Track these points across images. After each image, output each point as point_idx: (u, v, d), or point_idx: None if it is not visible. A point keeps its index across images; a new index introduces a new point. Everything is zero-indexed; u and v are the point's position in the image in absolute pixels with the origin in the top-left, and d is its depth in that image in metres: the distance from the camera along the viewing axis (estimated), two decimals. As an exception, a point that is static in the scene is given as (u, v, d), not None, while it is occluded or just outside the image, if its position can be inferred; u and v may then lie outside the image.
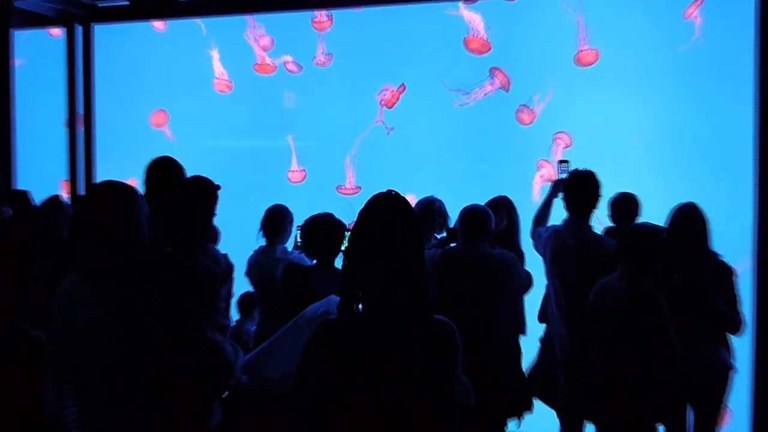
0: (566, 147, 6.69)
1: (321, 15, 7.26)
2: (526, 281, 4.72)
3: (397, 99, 7.09)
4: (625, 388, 3.84)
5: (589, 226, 4.59)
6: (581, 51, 6.62)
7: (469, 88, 6.88)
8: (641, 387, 3.81)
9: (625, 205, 4.89)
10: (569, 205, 4.59)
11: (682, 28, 6.46)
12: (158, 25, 7.59)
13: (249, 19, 7.35)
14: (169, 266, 3.14)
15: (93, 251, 2.83)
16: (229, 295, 3.42)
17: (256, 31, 7.40)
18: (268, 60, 7.47)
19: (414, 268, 2.13)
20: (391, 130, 7.11)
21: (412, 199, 4.93)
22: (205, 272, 3.20)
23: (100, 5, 6.80)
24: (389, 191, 2.22)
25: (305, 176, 7.43)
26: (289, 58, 7.51)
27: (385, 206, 2.18)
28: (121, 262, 2.82)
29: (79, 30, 6.86)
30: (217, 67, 7.54)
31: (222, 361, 3.23)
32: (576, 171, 4.59)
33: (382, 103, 7.13)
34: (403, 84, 7.11)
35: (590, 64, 6.63)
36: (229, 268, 3.36)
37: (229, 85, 7.58)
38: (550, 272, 4.70)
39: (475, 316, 4.18)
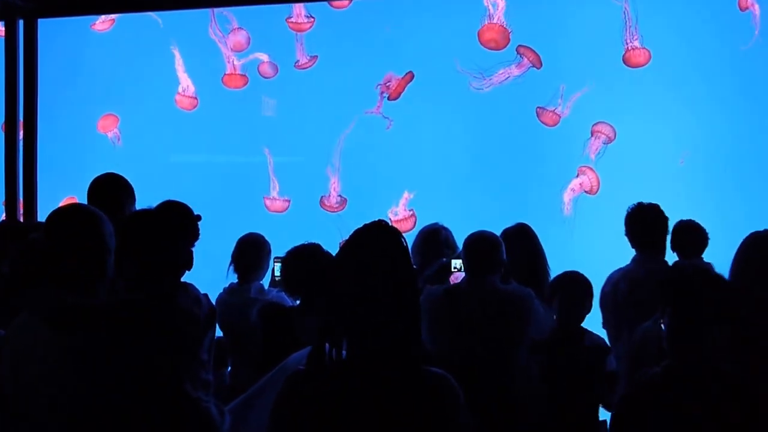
0: (607, 142, 6.23)
1: (300, 15, 6.92)
2: (547, 321, 4.31)
3: (403, 89, 6.64)
4: None
5: (665, 262, 4.45)
6: (629, 50, 6.11)
7: (487, 73, 6.40)
8: None
9: (690, 235, 4.67)
10: (636, 241, 4.45)
11: (742, 24, 6.04)
12: (101, 26, 7.22)
13: (212, 15, 6.93)
14: (145, 310, 2.93)
15: (53, 292, 2.68)
16: (212, 345, 3.22)
17: (219, 29, 7.04)
18: (237, 62, 7.11)
19: (405, 312, 2.05)
20: (390, 123, 6.68)
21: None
22: (185, 316, 2.99)
23: (45, -5, 6.49)
24: (378, 222, 2.15)
25: (288, 207, 7.00)
26: (264, 56, 7.10)
27: (372, 240, 2.11)
28: (88, 306, 2.69)
29: (20, 24, 6.55)
30: (182, 78, 7.20)
31: (207, 428, 2.99)
32: (640, 204, 4.46)
33: (383, 92, 6.66)
34: (410, 72, 6.68)
35: (638, 66, 6.16)
36: (212, 311, 3.16)
37: (194, 102, 7.19)
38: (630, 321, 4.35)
39: (486, 366, 3.94)
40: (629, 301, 4.36)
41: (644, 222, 4.41)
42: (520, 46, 6.35)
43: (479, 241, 4.12)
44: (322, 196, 6.86)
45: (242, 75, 7.12)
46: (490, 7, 6.31)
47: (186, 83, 7.19)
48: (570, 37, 6.39)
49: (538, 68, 6.34)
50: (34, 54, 6.59)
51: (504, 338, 4.04)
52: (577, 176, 6.36)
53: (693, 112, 6.17)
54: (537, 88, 6.39)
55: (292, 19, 6.94)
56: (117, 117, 7.37)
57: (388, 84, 6.68)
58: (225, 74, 7.11)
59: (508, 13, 6.30)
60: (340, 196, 6.87)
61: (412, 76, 6.68)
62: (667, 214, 4.44)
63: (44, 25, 6.70)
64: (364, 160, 6.85)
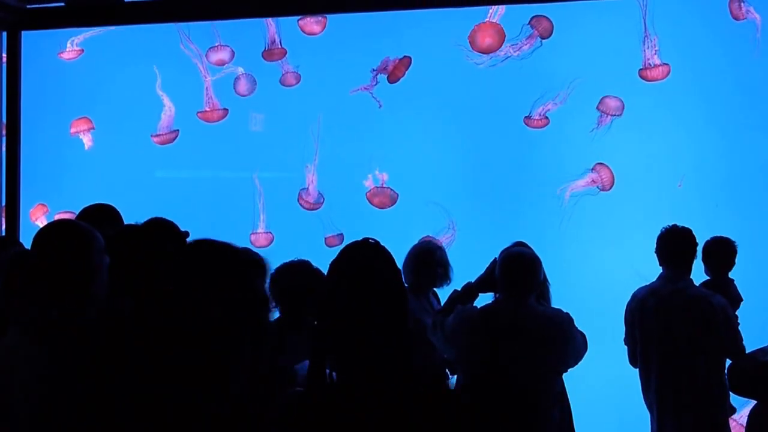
0: (615, 114, 6.05)
1: (275, 43, 6.83)
2: (582, 348, 4.11)
3: (403, 73, 6.46)
4: None
5: (691, 280, 4.60)
6: (647, 68, 6.01)
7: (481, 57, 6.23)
8: None
9: (721, 252, 4.76)
10: (665, 260, 4.61)
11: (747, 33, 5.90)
12: (68, 55, 7.22)
13: (179, 33, 6.89)
14: (128, 325, 2.80)
15: (37, 306, 2.67)
16: None
17: (197, 46, 6.94)
18: (213, 77, 7.05)
19: (396, 331, 2.04)
20: (380, 103, 6.49)
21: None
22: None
23: (30, 7, 6.47)
24: (366, 240, 2.13)
25: (272, 240, 6.84)
26: (240, 70, 6.97)
27: (361, 260, 2.09)
28: (71, 320, 2.66)
29: (4, 36, 6.63)
30: (165, 101, 7.13)
31: None
32: (674, 226, 4.62)
33: (378, 74, 6.50)
34: (407, 56, 6.53)
35: (656, 80, 6.04)
36: None
37: (172, 136, 7.09)
38: (659, 341, 4.56)
39: (521, 390, 3.83)
40: (655, 317, 4.55)
41: (676, 243, 4.58)
42: (534, 16, 6.22)
43: (519, 258, 3.92)
44: (300, 191, 6.72)
45: (220, 110, 7.01)
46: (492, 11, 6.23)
47: (168, 109, 7.07)
48: (575, 37, 6.28)
49: (545, 38, 6.21)
50: (18, 66, 6.66)
51: (541, 363, 3.86)
52: (591, 171, 6.21)
53: (696, 131, 6.11)
54: (535, 82, 6.28)
55: (266, 50, 6.87)
56: (90, 120, 7.27)
57: (385, 68, 6.58)
58: (201, 111, 7.02)
59: (507, 13, 6.24)
60: (318, 192, 6.74)
61: (410, 61, 6.54)
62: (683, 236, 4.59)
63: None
64: (348, 145, 6.73)
